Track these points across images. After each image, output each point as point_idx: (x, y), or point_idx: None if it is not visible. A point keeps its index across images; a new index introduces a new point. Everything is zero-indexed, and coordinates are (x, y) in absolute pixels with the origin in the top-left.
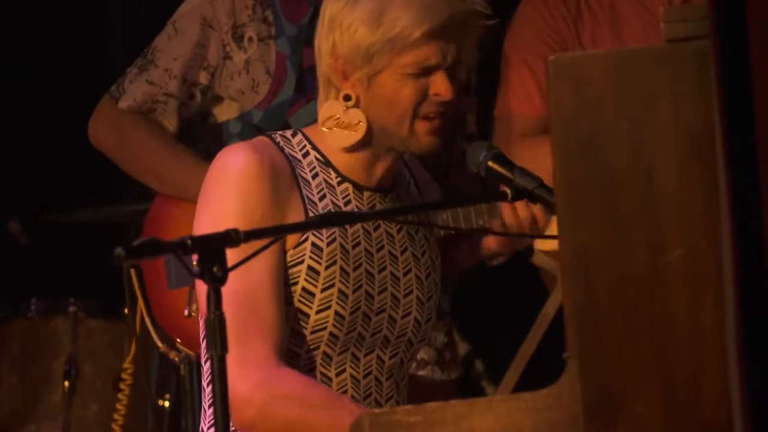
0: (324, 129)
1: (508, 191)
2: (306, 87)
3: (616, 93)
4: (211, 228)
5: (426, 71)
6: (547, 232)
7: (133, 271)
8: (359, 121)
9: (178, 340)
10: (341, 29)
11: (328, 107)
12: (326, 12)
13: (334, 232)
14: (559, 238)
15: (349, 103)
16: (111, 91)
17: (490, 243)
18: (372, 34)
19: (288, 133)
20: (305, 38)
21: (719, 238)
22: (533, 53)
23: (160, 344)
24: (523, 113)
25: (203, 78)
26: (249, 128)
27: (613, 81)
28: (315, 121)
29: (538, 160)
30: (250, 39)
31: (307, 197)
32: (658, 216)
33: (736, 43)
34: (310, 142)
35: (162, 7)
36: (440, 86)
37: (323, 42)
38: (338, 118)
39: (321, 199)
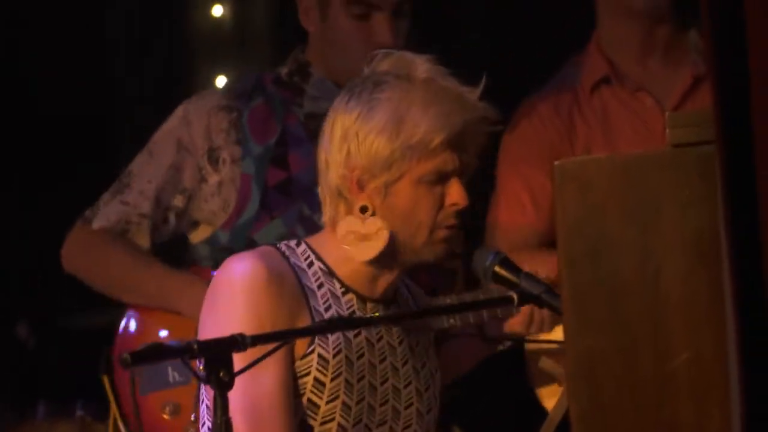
0: (345, 246)
1: (515, 296)
2: (271, 205)
3: (621, 198)
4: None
5: (442, 178)
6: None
7: (105, 378)
8: (379, 229)
9: None
10: (357, 140)
11: (346, 224)
12: (336, 125)
13: (339, 344)
14: (566, 343)
15: (366, 215)
16: (84, 215)
17: (513, 326)
18: (391, 143)
19: (292, 242)
20: (271, 157)
21: (725, 344)
22: (527, 164)
23: None
24: (516, 223)
25: (179, 201)
26: (216, 250)
27: (618, 186)
28: (282, 237)
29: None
30: (224, 161)
31: (314, 308)
32: (664, 321)
33: (742, 149)
34: (314, 252)
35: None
36: (456, 195)
37: (334, 154)
38: (358, 232)
39: (327, 309)
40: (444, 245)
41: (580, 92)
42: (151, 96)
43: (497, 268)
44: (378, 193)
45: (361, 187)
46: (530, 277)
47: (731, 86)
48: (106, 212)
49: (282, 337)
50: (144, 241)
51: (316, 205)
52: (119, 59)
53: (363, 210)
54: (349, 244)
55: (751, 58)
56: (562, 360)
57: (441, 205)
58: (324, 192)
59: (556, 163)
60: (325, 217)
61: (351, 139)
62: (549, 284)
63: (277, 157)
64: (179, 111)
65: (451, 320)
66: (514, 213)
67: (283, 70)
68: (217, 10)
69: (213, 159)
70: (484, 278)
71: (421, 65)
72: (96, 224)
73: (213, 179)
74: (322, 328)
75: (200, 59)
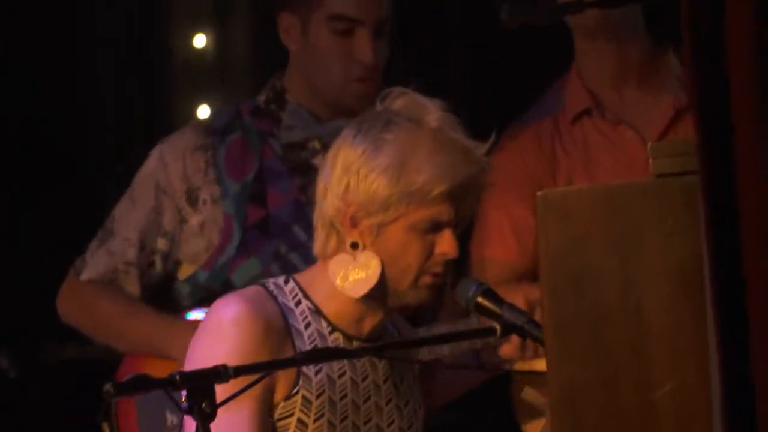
0: (338, 285)
1: (497, 327)
2: (249, 244)
3: (604, 228)
4: None
5: (435, 227)
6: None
7: (106, 426)
8: (372, 260)
9: None
10: (358, 176)
11: (338, 263)
12: (340, 156)
13: (323, 385)
14: (548, 373)
15: (357, 251)
16: (75, 266)
17: (507, 351)
18: (391, 186)
19: (281, 280)
20: (249, 194)
21: (708, 373)
22: (509, 196)
23: None
24: (498, 259)
25: (162, 244)
26: (196, 289)
27: (601, 216)
28: (257, 277)
29: None
30: (204, 201)
31: (299, 349)
32: (647, 351)
33: (725, 179)
34: (302, 291)
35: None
36: (447, 246)
37: (333, 186)
38: (350, 269)
39: None
40: (428, 291)
41: (561, 122)
42: (133, 125)
43: (480, 299)
44: (370, 232)
45: (354, 223)
46: (513, 307)
47: (714, 116)
48: (95, 263)
49: (266, 368)
50: (134, 287)
51: (292, 243)
52: (104, 86)
53: (354, 246)
54: (343, 283)
55: (733, 87)
56: (546, 391)
57: (430, 253)
58: (317, 221)
59: (538, 193)
60: (316, 248)
61: (352, 174)
62: (531, 315)
63: (255, 194)
64: (155, 153)
65: (445, 349)
66: (496, 247)
67: (261, 98)
68: (200, 41)
69: (192, 199)
70: (467, 308)
71: (434, 113)
72: (84, 276)
73: (194, 220)
74: (303, 360)
75: (183, 89)
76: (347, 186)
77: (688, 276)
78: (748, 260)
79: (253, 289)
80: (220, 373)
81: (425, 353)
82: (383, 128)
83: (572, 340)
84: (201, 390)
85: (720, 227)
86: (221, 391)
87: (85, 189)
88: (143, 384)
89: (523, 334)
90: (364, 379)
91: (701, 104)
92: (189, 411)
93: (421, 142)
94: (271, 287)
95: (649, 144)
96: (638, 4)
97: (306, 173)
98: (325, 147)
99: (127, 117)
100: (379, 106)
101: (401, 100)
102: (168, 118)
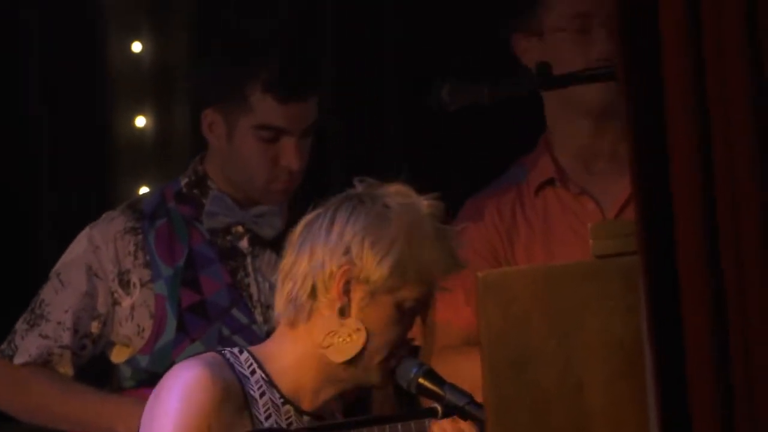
0: (322, 347)
1: (439, 408)
2: (188, 327)
3: (544, 309)
4: None
5: (416, 310)
6: None
7: None
8: (358, 329)
9: None
10: (363, 243)
11: (325, 324)
12: (338, 221)
13: None
14: None
15: (344, 318)
16: (2, 349)
17: None
18: (398, 257)
19: (236, 349)
20: (181, 279)
21: None
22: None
23: None
24: (449, 322)
25: (94, 328)
26: (138, 372)
27: (542, 297)
28: None
29: (460, 370)
30: (134, 284)
31: (256, 416)
32: (588, 430)
33: (665, 260)
34: (257, 361)
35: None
36: (418, 332)
37: (330, 248)
38: (335, 332)
39: (267, 418)
40: (387, 375)
41: (525, 192)
42: (74, 207)
43: (421, 380)
44: (361, 300)
45: (346, 290)
46: (455, 388)
47: (654, 197)
48: (26, 347)
49: None
50: (67, 369)
51: (234, 327)
52: (41, 165)
53: (342, 312)
54: (326, 346)
55: (673, 168)
56: None
57: (405, 336)
58: (287, 291)
59: (478, 274)
60: (285, 315)
61: (355, 240)
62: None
63: (188, 280)
64: (84, 237)
65: None
66: (447, 311)
67: (183, 181)
68: (140, 121)
69: (124, 282)
70: (408, 390)
71: (425, 199)
72: (18, 360)
73: (126, 302)
74: None
75: (122, 169)
76: (347, 250)
77: (628, 355)
78: (689, 342)
79: (210, 355)
80: None
81: None
82: (382, 204)
83: (513, 421)
84: None
85: (660, 308)
86: None
87: (21, 270)
88: None
89: (465, 415)
90: None
91: (641, 186)
92: None
93: (422, 223)
94: (228, 355)
95: (589, 225)
96: (586, 84)
97: (234, 257)
98: (248, 231)
99: (65, 198)
100: (357, 188)
101: (390, 185)
102: (108, 200)
